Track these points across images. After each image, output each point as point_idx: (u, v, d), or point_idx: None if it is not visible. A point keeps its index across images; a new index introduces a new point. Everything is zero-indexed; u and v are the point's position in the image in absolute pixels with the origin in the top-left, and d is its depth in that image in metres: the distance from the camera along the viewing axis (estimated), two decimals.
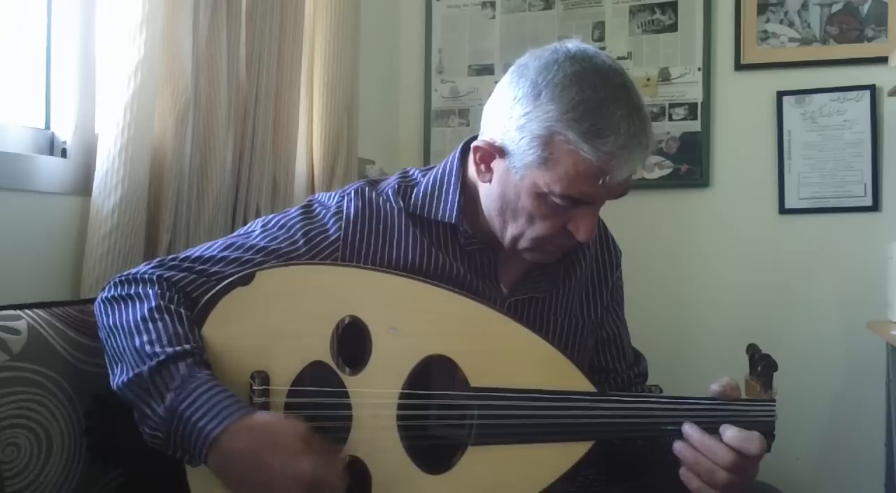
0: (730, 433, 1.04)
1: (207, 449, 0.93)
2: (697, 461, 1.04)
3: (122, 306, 1.06)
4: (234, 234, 1.19)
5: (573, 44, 1.10)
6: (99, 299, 1.11)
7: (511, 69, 1.13)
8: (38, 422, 1.06)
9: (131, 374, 0.98)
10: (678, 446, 1.06)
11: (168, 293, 1.07)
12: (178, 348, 0.99)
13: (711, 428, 1.06)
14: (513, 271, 1.23)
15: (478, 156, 1.15)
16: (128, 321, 1.03)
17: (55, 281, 1.43)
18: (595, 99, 1.04)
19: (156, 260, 1.14)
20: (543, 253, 1.16)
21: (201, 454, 0.94)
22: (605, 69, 1.07)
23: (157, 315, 1.03)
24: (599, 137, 1.03)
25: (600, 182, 1.05)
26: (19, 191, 1.37)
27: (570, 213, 1.10)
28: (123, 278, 1.11)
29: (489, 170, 1.14)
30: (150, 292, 1.06)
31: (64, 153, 1.49)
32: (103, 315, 1.08)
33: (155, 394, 0.97)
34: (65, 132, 1.49)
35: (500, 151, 1.11)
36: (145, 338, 1.00)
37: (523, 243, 1.14)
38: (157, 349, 0.99)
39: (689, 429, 1.06)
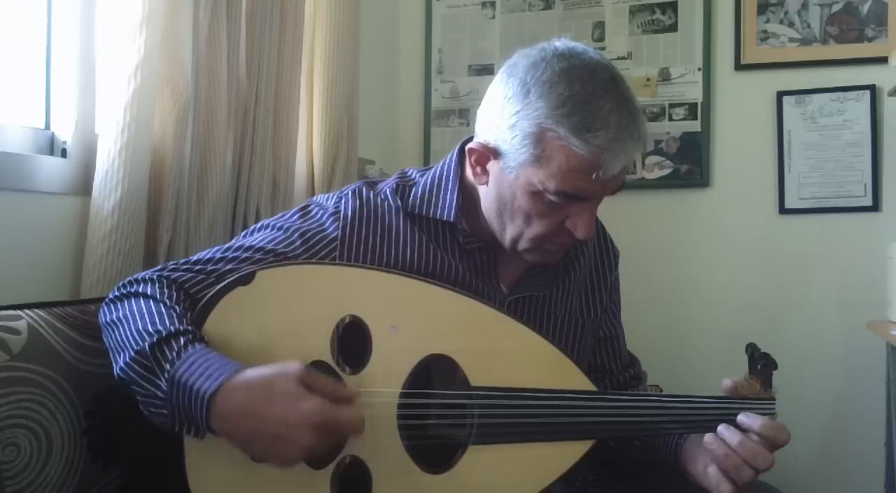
0: (761, 421, 1.03)
1: (207, 410, 0.93)
2: (728, 455, 1.03)
3: (124, 302, 1.08)
4: (233, 239, 1.21)
5: (561, 42, 1.11)
6: (104, 303, 1.12)
7: (501, 70, 1.13)
8: (38, 422, 1.06)
9: (133, 352, 0.99)
10: (708, 438, 1.05)
11: (168, 290, 1.08)
12: (179, 327, 1.00)
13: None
14: (512, 269, 1.23)
15: (473, 158, 1.15)
16: (131, 312, 1.05)
17: (55, 281, 1.43)
18: (583, 93, 1.04)
19: (157, 267, 1.15)
20: (544, 253, 1.16)
21: (202, 417, 0.94)
22: (592, 64, 1.07)
23: (158, 306, 1.04)
24: (590, 131, 1.03)
25: (594, 176, 1.05)
26: (19, 191, 1.37)
27: (567, 210, 1.10)
28: (125, 281, 1.13)
29: (485, 172, 1.14)
30: (150, 289, 1.08)
31: (64, 153, 1.49)
32: (106, 314, 1.09)
33: (157, 369, 0.98)
34: (65, 132, 1.49)
35: (494, 153, 1.11)
36: (148, 321, 1.02)
37: (523, 244, 1.14)
38: (160, 328, 1.00)
39: (724, 431, 1.04)
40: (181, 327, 1.00)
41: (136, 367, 0.99)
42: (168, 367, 0.97)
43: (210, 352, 0.98)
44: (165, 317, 1.02)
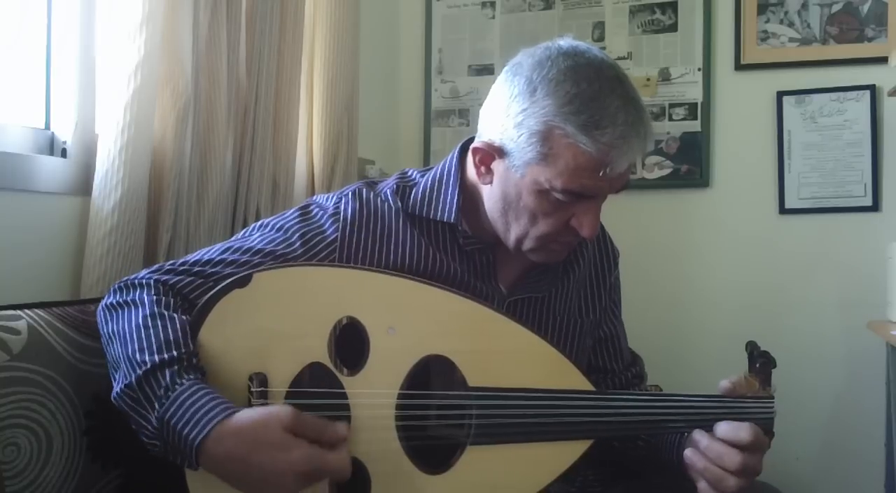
0: (720, 428, 1.06)
1: (196, 456, 0.93)
2: (707, 467, 1.05)
3: (120, 313, 1.06)
4: (232, 238, 1.20)
5: (565, 41, 1.11)
6: (100, 306, 1.11)
7: (505, 69, 1.13)
8: (38, 422, 1.07)
9: (123, 385, 0.99)
10: (688, 453, 1.07)
11: (164, 298, 1.07)
12: (164, 356, 0.98)
13: (711, 425, 1.07)
14: (512, 270, 1.23)
15: (477, 158, 1.15)
16: (123, 329, 1.04)
17: (55, 281, 1.44)
18: (590, 91, 1.04)
19: (155, 266, 1.14)
20: (549, 252, 1.16)
21: (192, 461, 0.94)
22: (597, 62, 1.08)
23: (150, 322, 1.02)
24: (597, 129, 1.03)
25: (601, 174, 1.05)
26: (19, 191, 1.37)
27: (573, 208, 1.10)
28: (122, 284, 1.11)
29: (489, 171, 1.14)
30: (147, 298, 1.06)
31: (64, 153, 1.49)
32: (103, 323, 1.08)
33: (146, 403, 0.97)
34: (65, 132, 1.49)
35: (500, 151, 1.11)
36: (136, 346, 1.00)
37: (528, 244, 1.14)
38: (146, 358, 0.99)
39: (697, 435, 1.07)
40: (167, 356, 0.98)
41: (127, 400, 0.98)
42: (157, 405, 0.96)
43: (198, 389, 0.96)
44: (153, 340, 1.00)
